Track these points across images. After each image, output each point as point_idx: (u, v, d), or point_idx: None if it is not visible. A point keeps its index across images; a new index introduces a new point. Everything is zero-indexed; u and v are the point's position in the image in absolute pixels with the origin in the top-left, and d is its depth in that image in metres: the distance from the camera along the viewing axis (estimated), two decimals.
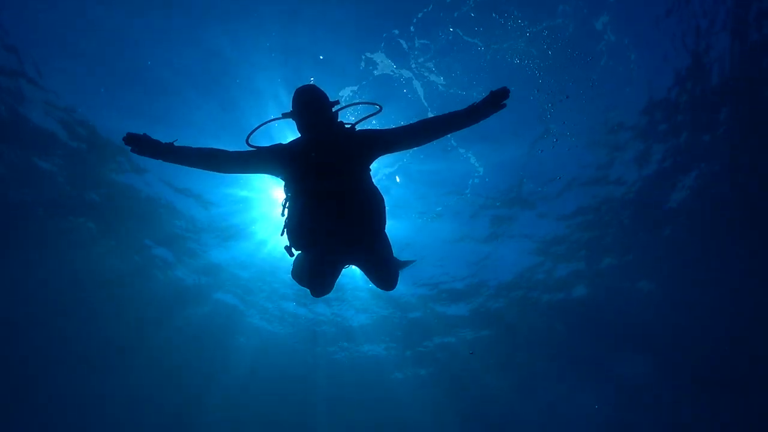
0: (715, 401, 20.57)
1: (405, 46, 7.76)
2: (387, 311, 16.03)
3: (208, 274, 14.10)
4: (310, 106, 3.20)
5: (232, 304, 15.79)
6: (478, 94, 8.44)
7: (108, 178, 10.69)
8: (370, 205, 3.43)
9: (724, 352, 16.80)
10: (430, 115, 8.90)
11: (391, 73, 8.15)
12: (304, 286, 3.88)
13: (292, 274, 4.01)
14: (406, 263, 5.04)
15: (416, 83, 8.34)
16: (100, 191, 11.11)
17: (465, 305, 15.40)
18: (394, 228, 11.58)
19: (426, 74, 8.21)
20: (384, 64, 8.02)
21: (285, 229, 3.54)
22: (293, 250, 3.60)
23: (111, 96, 8.72)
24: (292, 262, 4.00)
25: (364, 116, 3.54)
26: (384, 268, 3.83)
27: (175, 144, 3.29)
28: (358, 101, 3.60)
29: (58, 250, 13.07)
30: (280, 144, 3.51)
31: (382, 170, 9.80)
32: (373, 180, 3.59)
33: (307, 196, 3.35)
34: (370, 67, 8.06)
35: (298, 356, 19.90)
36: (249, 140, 3.45)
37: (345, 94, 8.45)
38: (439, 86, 8.41)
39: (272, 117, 3.54)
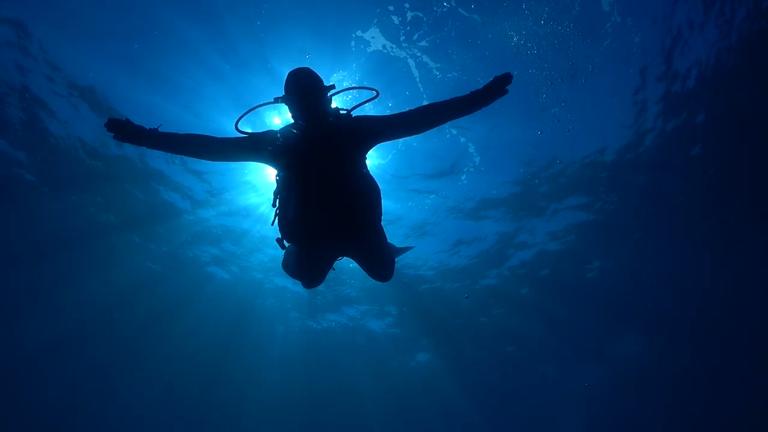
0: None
1: (397, 21, 7.42)
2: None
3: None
4: (305, 91, 2.98)
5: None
6: (477, 77, 8.20)
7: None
8: (367, 197, 3.23)
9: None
10: (425, 99, 8.70)
11: (385, 52, 7.85)
12: (294, 278, 3.74)
13: (282, 266, 3.85)
14: (403, 250, 4.89)
15: (411, 63, 8.06)
16: None
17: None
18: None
19: (419, 54, 7.93)
20: (376, 41, 7.71)
21: (276, 220, 3.36)
22: (285, 242, 3.43)
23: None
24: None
25: (360, 102, 3.32)
26: (379, 260, 3.66)
27: (160, 130, 3.08)
28: (354, 86, 3.35)
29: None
30: (272, 130, 3.27)
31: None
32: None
33: (300, 186, 3.14)
34: (362, 46, 7.74)
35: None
36: (238, 126, 3.23)
37: (336, 78, 8.19)
38: (434, 70, 8.15)
39: (263, 102, 3.28)
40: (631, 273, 14.60)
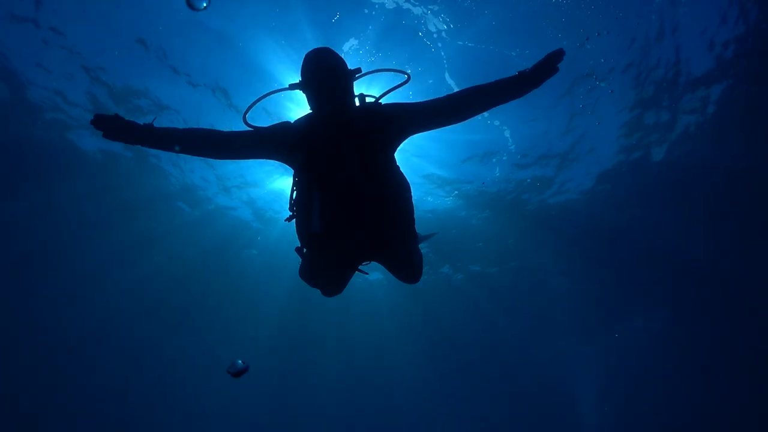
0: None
1: None
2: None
3: None
4: (327, 75, 2.50)
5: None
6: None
7: None
8: (400, 200, 2.79)
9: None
10: (448, 74, 8.10)
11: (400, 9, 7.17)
12: (313, 287, 3.34)
13: (300, 273, 3.44)
14: (426, 237, 4.49)
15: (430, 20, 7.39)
16: None
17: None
18: None
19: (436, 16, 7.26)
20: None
21: (294, 223, 2.92)
22: (305, 251, 3.00)
23: None
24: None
25: (390, 88, 2.80)
26: (409, 266, 3.24)
27: (155, 125, 2.63)
28: (381, 68, 2.82)
29: None
30: (287, 122, 2.80)
31: None
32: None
33: (321, 188, 2.69)
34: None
35: None
36: (247, 118, 2.75)
37: (348, 47, 7.56)
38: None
39: (275, 88, 2.80)
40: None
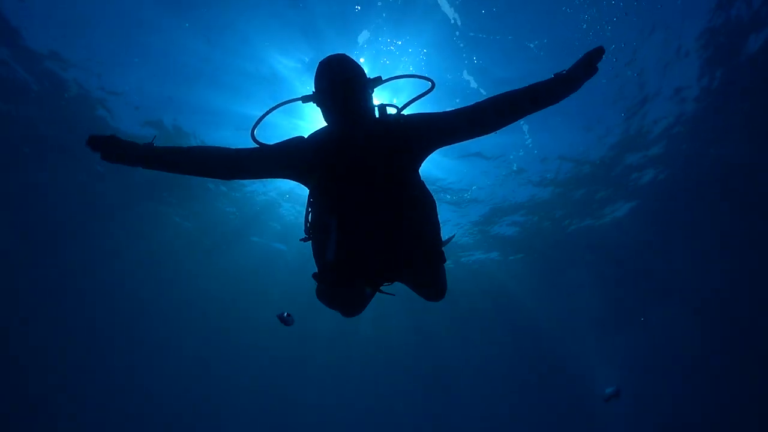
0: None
1: None
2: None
3: None
4: (345, 86, 2.24)
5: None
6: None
7: None
8: (426, 221, 2.54)
9: None
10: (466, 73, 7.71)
11: None
12: (331, 309, 3.09)
13: (317, 295, 3.18)
14: (446, 242, 4.22)
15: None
16: None
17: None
18: None
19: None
20: None
21: (310, 244, 2.67)
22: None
23: None
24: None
25: (414, 97, 2.51)
26: (434, 286, 2.99)
27: (155, 144, 2.39)
28: (402, 74, 2.51)
29: None
30: (300, 138, 2.54)
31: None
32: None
33: (339, 211, 2.44)
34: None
35: None
36: (255, 134, 2.50)
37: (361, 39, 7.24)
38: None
39: (285, 100, 2.52)
40: None
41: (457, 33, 7.32)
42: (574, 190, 12.03)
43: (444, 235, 2.84)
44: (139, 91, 8.90)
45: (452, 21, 7.12)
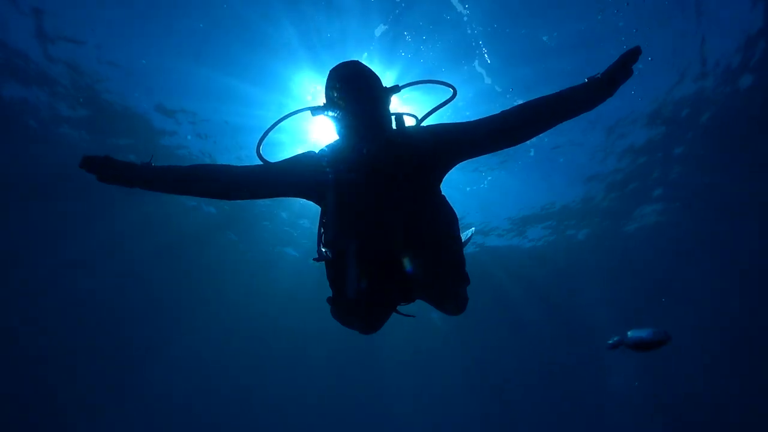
0: None
1: None
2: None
3: None
4: (361, 97, 2.03)
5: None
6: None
7: None
8: (451, 241, 2.32)
9: None
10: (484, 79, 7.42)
11: None
12: (348, 328, 2.92)
13: (333, 314, 2.99)
14: (466, 243, 4.04)
15: None
16: None
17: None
18: None
19: None
20: None
21: (325, 271, 2.47)
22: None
23: None
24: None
25: (434, 107, 2.30)
26: (453, 305, 2.79)
27: (153, 164, 2.21)
28: (421, 80, 2.28)
29: None
30: (310, 154, 2.33)
31: None
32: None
33: (359, 230, 2.24)
34: None
35: None
36: (260, 150, 2.29)
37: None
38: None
39: (293, 110, 2.28)
40: None
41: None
42: None
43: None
44: None
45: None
